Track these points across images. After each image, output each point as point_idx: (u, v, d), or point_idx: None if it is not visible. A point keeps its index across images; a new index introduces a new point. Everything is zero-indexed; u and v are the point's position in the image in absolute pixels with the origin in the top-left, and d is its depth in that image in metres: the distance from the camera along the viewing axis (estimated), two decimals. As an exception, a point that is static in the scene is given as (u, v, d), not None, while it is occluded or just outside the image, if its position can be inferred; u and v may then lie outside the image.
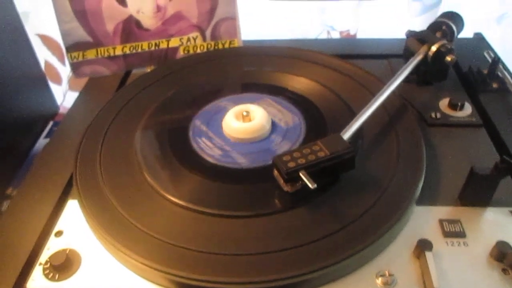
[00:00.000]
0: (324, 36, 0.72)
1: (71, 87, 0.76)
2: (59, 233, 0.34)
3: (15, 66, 0.60)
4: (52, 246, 0.33)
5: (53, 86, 0.69)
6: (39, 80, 0.66)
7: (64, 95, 0.76)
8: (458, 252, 0.32)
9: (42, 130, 0.63)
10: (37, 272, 0.32)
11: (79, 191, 0.36)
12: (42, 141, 0.61)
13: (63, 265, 0.31)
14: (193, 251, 0.31)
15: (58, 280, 0.31)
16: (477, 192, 0.34)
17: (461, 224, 0.34)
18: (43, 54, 0.71)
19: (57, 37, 0.70)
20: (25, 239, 0.34)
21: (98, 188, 0.36)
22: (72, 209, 0.36)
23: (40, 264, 0.32)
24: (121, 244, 0.31)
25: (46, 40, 0.71)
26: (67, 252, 0.32)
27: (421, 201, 0.35)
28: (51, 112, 0.67)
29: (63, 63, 0.74)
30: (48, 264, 0.32)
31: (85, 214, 0.35)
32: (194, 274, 0.29)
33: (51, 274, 0.31)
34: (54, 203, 0.37)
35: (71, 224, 0.35)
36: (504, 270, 0.30)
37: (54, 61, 0.73)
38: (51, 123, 0.64)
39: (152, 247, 0.31)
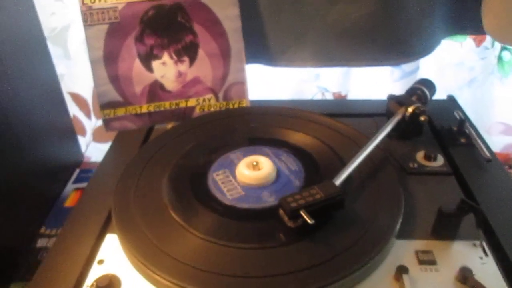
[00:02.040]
0: (319, 96, 0.80)
1: (95, 139, 0.84)
2: (101, 262, 0.41)
3: (51, 120, 0.68)
4: (95, 272, 0.40)
5: (78, 138, 0.78)
6: (69, 132, 0.75)
7: (87, 146, 0.85)
8: (430, 276, 0.38)
9: (69, 177, 0.70)
10: (85, 292, 0.38)
11: (117, 226, 0.43)
12: (70, 186, 0.68)
13: (107, 287, 0.38)
14: (213, 273, 0.38)
15: (103, 300, 0.38)
16: (445, 227, 0.42)
17: (433, 254, 0.40)
18: (72, 109, 0.80)
19: (85, 95, 0.80)
20: (73, 266, 0.41)
21: (133, 224, 0.43)
22: (111, 241, 0.43)
23: (87, 286, 0.39)
24: (155, 267, 0.38)
25: (76, 97, 0.81)
26: (110, 276, 0.39)
27: (400, 236, 0.42)
28: (77, 161, 0.75)
29: (89, 117, 0.83)
30: (94, 285, 0.38)
31: (122, 245, 0.42)
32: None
33: (97, 295, 0.38)
34: (95, 236, 0.44)
35: (111, 254, 0.42)
36: (467, 290, 0.37)
37: (81, 115, 0.82)
38: (77, 170, 0.72)
39: (180, 271, 0.38)
